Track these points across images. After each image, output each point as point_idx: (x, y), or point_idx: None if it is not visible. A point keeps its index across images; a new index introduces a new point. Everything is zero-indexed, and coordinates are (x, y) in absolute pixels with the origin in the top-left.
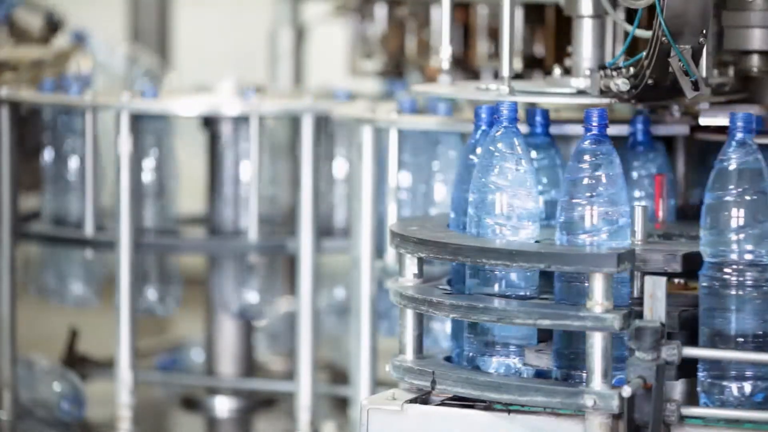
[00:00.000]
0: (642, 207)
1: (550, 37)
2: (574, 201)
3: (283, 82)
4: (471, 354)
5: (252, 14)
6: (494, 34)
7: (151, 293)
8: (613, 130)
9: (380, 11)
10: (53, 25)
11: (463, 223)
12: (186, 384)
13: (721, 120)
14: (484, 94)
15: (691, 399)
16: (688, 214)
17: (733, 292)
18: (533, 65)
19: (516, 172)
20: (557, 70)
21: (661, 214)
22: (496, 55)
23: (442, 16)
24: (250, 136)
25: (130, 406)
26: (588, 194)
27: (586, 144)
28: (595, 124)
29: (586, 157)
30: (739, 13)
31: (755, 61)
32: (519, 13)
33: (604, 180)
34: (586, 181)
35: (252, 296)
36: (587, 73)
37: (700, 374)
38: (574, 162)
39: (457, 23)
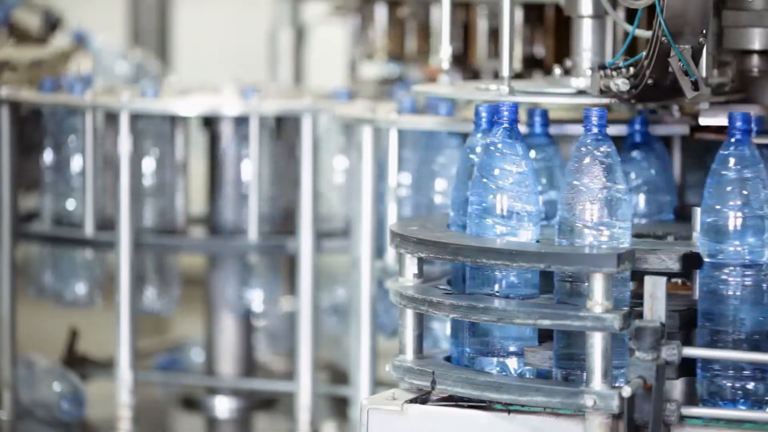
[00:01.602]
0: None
1: (550, 37)
2: (718, 207)
3: (283, 82)
4: (471, 355)
5: (252, 14)
6: (494, 35)
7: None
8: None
9: (381, 11)
10: (52, 24)
11: (463, 222)
12: (186, 384)
13: (721, 120)
14: (484, 94)
15: (692, 399)
16: (682, 215)
17: None
18: (533, 65)
19: (518, 172)
20: (557, 70)
21: None
22: (495, 55)
23: (441, 16)
24: (250, 136)
25: (130, 406)
26: (735, 201)
27: (731, 149)
28: (739, 128)
29: (731, 162)
30: (739, 13)
31: (755, 61)
32: (519, 13)
33: (750, 184)
34: (730, 186)
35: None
36: (587, 73)
37: None
38: (718, 166)
39: (457, 23)
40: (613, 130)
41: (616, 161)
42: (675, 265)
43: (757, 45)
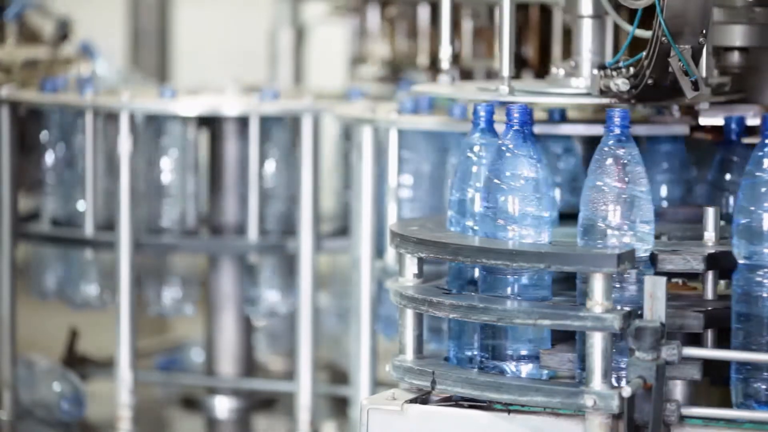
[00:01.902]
0: (715, 208)
1: (535, 38)
2: (753, 208)
3: (283, 82)
4: (483, 358)
5: (252, 14)
6: (478, 34)
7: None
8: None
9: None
10: (63, 33)
11: (462, 222)
12: (186, 384)
13: (721, 120)
14: (484, 94)
15: (691, 399)
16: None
17: None
18: (519, 66)
19: (529, 174)
20: (555, 70)
21: None
22: (481, 54)
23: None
24: (250, 136)
25: (130, 406)
26: None
27: (766, 150)
28: None
29: (766, 164)
30: (721, 10)
31: (736, 57)
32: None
33: None
34: (765, 188)
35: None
36: (587, 73)
37: None
38: (752, 167)
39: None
40: (592, 129)
41: (639, 162)
42: (700, 266)
43: (738, 42)
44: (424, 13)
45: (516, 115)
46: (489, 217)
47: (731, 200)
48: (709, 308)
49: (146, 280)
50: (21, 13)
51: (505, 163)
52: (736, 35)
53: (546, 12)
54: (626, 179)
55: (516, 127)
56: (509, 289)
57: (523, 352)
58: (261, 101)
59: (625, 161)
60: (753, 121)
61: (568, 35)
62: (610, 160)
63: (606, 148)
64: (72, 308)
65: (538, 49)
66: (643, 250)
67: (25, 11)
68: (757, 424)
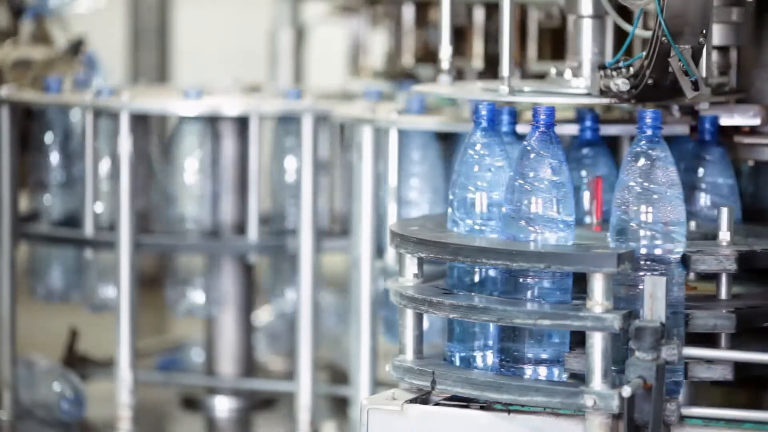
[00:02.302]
0: (729, 207)
1: (516, 37)
2: None
3: (283, 82)
4: (504, 361)
5: (252, 14)
6: (458, 34)
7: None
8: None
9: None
10: (75, 50)
11: (462, 220)
12: (186, 384)
13: (723, 120)
14: (485, 94)
15: (691, 399)
16: None
17: None
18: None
19: (554, 176)
20: (552, 69)
21: (599, 215)
22: (462, 53)
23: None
24: (250, 136)
25: (130, 406)
26: None
27: None
28: None
29: None
30: None
31: (714, 56)
32: (480, 12)
33: None
34: None
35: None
36: (587, 73)
37: None
38: None
39: (422, 23)
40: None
41: (671, 162)
42: (732, 266)
43: (715, 41)
44: (408, 12)
45: (542, 117)
46: (512, 219)
47: (707, 199)
48: (735, 308)
49: (170, 281)
50: (40, 15)
51: (531, 165)
52: (714, 35)
53: (524, 10)
54: (658, 180)
55: (542, 129)
56: (530, 293)
57: (544, 356)
58: (286, 100)
59: (657, 162)
60: (750, 121)
61: (543, 34)
62: (642, 161)
63: (638, 149)
64: (92, 311)
65: (518, 48)
66: (676, 251)
67: (44, 13)
68: (757, 424)
